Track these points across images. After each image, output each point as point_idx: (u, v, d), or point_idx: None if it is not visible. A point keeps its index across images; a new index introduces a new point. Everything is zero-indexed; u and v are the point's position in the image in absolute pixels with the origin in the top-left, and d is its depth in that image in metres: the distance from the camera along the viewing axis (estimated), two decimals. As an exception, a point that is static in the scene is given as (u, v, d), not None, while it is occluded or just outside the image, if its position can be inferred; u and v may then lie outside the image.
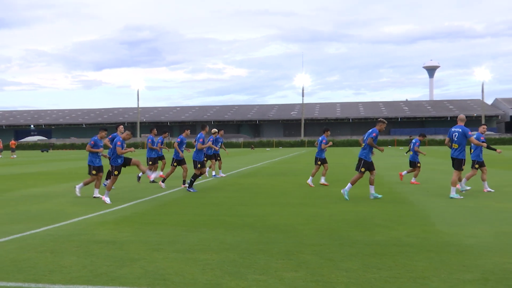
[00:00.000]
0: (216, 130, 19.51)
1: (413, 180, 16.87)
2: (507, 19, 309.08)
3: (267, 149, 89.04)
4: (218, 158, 20.67)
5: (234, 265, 6.29)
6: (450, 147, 13.08)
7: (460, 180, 13.71)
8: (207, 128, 15.97)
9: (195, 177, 15.12)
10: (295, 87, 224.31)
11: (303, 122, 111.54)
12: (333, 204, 11.88)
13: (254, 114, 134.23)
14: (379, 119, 13.29)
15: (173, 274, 5.90)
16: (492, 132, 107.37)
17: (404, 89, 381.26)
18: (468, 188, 14.30)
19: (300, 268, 6.13)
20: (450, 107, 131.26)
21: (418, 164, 16.98)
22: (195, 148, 15.34)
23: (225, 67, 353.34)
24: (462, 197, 12.73)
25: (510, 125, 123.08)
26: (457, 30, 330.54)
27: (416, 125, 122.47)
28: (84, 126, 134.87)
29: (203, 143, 15.35)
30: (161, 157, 18.66)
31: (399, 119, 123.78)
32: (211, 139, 18.83)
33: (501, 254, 6.69)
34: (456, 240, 7.62)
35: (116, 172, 12.70)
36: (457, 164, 12.89)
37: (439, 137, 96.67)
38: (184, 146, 17.12)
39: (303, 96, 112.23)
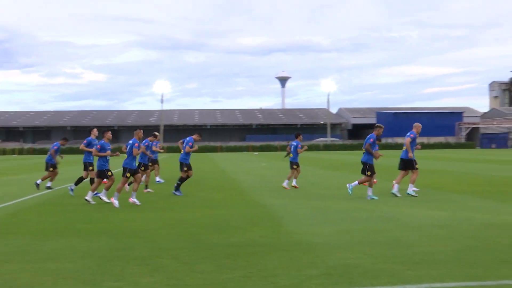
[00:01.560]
0: (157, 134, 18.26)
1: (293, 183, 17.00)
2: (351, 36, 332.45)
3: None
4: (156, 164, 19.79)
5: (89, 273, 6.01)
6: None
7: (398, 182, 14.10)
8: (140, 133, 13.82)
9: (182, 180, 15.10)
10: (154, 93, 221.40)
11: (162, 128, 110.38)
12: (193, 209, 11.86)
13: (113, 120, 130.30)
14: (376, 125, 14.06)
15: (22, 286, 5.50)
16: (336, 139, 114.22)
17: (258, 97, 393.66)
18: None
19: (156, 272, 6.02)
20: (300, 115, 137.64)
21: (295, 166, 16.87)
22: (182, 151, 15.12)
23: (83, 71, 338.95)
24: (416, 195, 13.70)
25: (352, 132, 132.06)
26: (307, 44, 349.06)
27: (270, 132, 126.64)
28: None
29: (191, 146, 14.96)
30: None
31: (253, 126, 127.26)
32: (147, 143, 17.40)
33: (344, 250, 7.10)
34: (305, 239, 7.96)
35: (128, 175, 12.69)
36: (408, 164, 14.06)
37: (310, 143, 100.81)
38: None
39: (162, 102, 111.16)
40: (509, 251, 6.90)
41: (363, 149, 13.78)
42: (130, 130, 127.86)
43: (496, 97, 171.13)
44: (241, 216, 10.58)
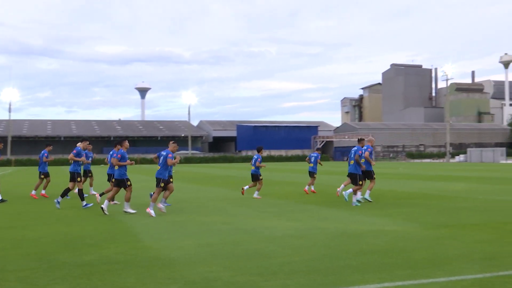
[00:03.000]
0: (87, 143, 17.30)
1: (255, 195, 17.60)
2: (211, 49, 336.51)
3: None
4: (90, 175, 18.92)
5: None
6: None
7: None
8: (126, 144, 14.11)
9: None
10: (1, 102, 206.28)
11: (10, 139, 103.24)
12: (44, 226, 11.21)
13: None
14: (361, 138, 15.75)
15: None
16: (197, 152, 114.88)
17: (117, 108, 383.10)
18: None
19: (0, 297, 5.59)
20: (160, 127, 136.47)
21: (261, 177, 17.76)
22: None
23: None
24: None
25: (213, 145, 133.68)
26: (168, 55, 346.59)
27: (129, 144, 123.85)
28: None
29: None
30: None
31: (111, 138, 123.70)
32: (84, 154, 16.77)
33: (203, 264, 7.14)
34: (163, 254, 7.88)
35: (162, 185, 13.23)
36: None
37: (150, 156, 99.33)
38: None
39: (10, 111, 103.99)
40: (358, 258, 7.38)
41: (352, 161, 15.19)
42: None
43: (347, 112, 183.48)
44: (96, 232, 10.21)
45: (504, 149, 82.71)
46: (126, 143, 13.98)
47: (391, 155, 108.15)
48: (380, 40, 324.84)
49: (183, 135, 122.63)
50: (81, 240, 9.27)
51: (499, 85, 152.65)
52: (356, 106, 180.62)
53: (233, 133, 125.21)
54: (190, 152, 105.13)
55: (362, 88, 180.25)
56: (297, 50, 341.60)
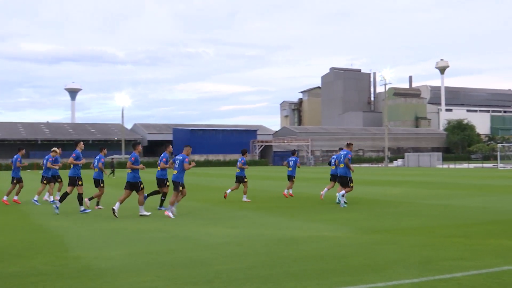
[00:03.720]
0: (56, 149, 18.61)
1: (244, 198, 18.47)
2: (147, 49, 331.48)
3: None
4: (59, 180, 19.14)
5: None
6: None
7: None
8: (140, 148, 14.90)
9: (165, 196, 15.87)
10: None
11: None
12: (-40, 236, 10.73)
13: None
14: (349, 142, 17.12)
15: None
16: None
17: (45, 110, 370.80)
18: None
19: None
20: (92, 130, 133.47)
21: (246, 180, 18.72)
22: (159, 168, 15.60)
23: None
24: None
25: (148, 149, 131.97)
26: (100, 55, 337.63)
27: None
28: None
29: (166, 162, 15.48)
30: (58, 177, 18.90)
31: (39, 142, 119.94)
32: (51, 159, 18.32)
33: (136, 274, 7.03)
34: (94, 264, 7.70)
35: (181, 188, 14.03)
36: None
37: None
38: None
39: None
40: (296, 265, 7.47)
41: (341, 165, 16.45)
42: None
43: (286, 116, 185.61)
44: (22, 242, 9.88)
45: (440, 154, 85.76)
46: (140, 147, 14.64)
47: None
48: (319, 43, 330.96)
49: (116, 138, 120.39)
50: (4, 250, 8.94)
51: (435, 90, 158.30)
52: (295, 110, 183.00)
53: (169, 137, 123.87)
54: (123, 157, 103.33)
55: (302, 92, 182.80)
56: (235, 51, 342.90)
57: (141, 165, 14.43)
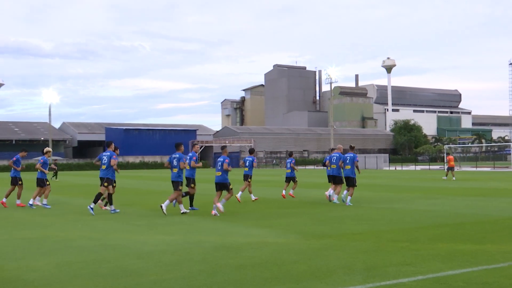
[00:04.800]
0: (50, 150, 19.43)
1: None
2: (76, 41, 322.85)
3: None
4: (20, 182, 19.56)
5: None
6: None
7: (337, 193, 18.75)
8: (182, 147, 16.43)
9: (187, 194, 16.90)
10: None
11: None
12: None
13: None
14: (353, 146, 18.97)
15: None
16: (59, 157, 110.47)
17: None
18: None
19: None
20: (16, 129, 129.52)
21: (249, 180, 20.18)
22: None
23: None
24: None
25: (78, 150, 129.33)
26: (24, 47, 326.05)
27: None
28: None
29: (196, 161, 16.78)
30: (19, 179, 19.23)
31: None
32: (41, 160, 18.97)
33: (63, 285, 6.87)
34: (17, 275, 7.49)
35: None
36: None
37: (3, 162, 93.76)
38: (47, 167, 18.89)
39: None
40: (237, 273, 7.48)
41: (347, 166, 18.15)
42: None
43: (228, 115, 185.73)
44: None
45: (387, 155, 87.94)
46: (182, 147, 16.15)
47: (274, 161, 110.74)
48: (263, 39, 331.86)
49: (42, 138, 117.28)
50: None
51: (382, 90, 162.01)
52: (237, 109, 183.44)
53: (101, 137, 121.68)
54: (51, 158, 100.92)
55: (244, 90, 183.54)
56: (173, 46, 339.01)
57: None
